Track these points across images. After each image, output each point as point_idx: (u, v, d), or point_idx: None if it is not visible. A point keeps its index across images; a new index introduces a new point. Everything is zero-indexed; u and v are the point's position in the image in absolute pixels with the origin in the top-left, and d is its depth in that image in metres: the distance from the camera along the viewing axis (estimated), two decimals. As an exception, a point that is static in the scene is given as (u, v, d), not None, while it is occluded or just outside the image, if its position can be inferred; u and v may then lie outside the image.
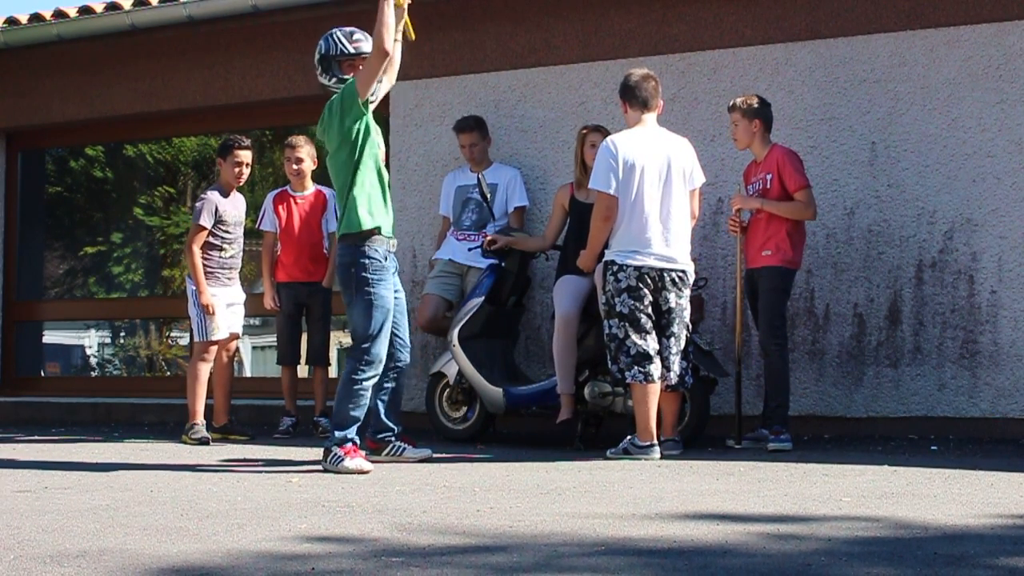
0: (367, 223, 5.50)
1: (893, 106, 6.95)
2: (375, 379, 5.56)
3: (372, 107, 5.65)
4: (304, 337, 7.77)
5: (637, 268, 5.88)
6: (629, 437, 5.93)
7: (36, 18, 9.08)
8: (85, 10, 8.91)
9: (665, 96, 7.47)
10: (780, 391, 6.33)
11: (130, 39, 8.91)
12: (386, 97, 6.82)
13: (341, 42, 5.68)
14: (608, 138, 6.12)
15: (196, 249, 7.10)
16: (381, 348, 5.50)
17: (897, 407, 6.88)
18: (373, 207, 5.54)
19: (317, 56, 5.72)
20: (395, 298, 5.65)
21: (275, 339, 7.86)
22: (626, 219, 5.94)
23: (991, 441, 6.47)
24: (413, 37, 5.79)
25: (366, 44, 5.64)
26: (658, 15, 7.56)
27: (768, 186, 6.42)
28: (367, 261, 5.48)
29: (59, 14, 9.03)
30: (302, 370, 7.90)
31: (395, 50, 5.63)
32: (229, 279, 7.26)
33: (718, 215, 7.27)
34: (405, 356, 5.82)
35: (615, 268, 5.91)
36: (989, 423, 6.68)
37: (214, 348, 7.17)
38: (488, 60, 8.00)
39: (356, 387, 5.49)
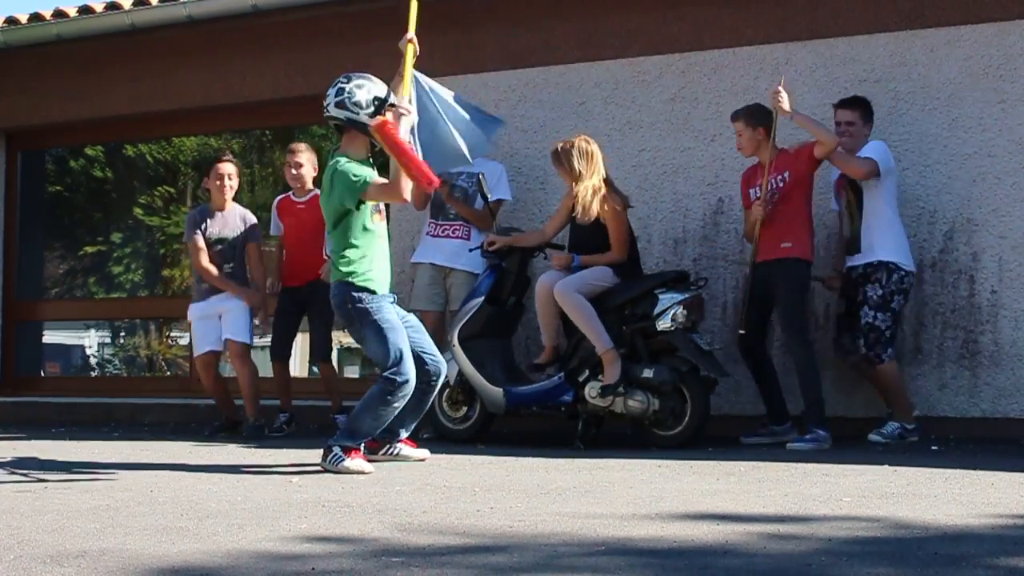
0: (355, 278, 5.47)
1: (893, 106, 6.95)
2: (407, 398, 5.50)
3: None
4: (302, 337, 7.77)
5: (911, 273, 6.46)
6: (897, 425, 6.35)
7: (36, 18, 9.08)
8: (85, 10, 8.91)
9: (665, 96, 7.52)
10: (811, 389, 6.32)
11: (130, 39, 8.91)
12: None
13: (362, 105, 5.49)
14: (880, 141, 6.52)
15: (201, 262, 7.38)
16: (409, 367, 5.45)
17: (897, 407, 6.87)
18: (372, 265, 5.52)
19: (343, 92, 5.49)
20: (408, 323, 5.62)
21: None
22: (895, 225, 6.44)
23: (991, 441, 6.46)
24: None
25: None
26: (658, 15, 7.56)
27: (788, 183, 6.43)
28: (358, 294, 5.46)
29: (59, 14, 9.03)
30: (296, 369, 7.91)
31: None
32: (203, 294, 7.46)
33: (718, 215, 7.27)
34: (438, 371, 5.71)
35: (902, 272, 6.38)
36: (989, 423, 6.67)
37: (208, 361, 7.47)
38: (488, 60, 8.00)
39: (384, 407, 5.46)
